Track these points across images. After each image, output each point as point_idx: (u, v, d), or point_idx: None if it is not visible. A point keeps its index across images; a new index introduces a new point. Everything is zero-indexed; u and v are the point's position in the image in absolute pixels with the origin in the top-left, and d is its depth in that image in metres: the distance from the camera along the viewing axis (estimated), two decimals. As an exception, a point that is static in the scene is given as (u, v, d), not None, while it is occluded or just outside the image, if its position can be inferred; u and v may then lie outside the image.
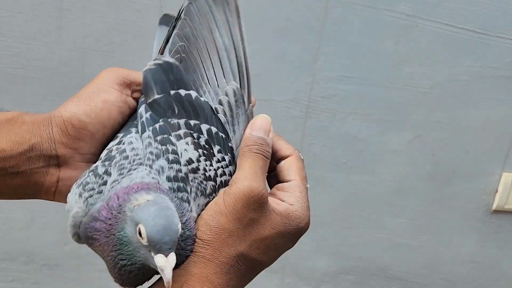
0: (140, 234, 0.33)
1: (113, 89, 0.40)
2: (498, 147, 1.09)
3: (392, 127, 1.07)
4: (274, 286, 1.20)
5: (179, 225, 0.34)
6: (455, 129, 1.08)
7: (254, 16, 0.98)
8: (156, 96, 0.39)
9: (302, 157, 0.44)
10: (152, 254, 0.33)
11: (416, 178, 1.11)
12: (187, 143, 0.37)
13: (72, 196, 0.38)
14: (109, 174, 0.37)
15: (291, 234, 0.39)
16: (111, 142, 0.40)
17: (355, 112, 1.06)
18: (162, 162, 0.36)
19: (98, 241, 0.36)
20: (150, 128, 0.38)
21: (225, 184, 0.39)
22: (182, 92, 0.39)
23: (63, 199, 0.40)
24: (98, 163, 0.39)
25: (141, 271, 0.36)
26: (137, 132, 0.39)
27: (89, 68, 1.00)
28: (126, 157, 0.37)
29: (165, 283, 0.32)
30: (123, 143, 0.39)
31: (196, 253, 0.36)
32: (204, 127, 0.38)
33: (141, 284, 0.38)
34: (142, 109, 0.39)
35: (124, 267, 0.35)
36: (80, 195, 0.37)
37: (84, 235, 0.38)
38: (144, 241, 0.33)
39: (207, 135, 0.38)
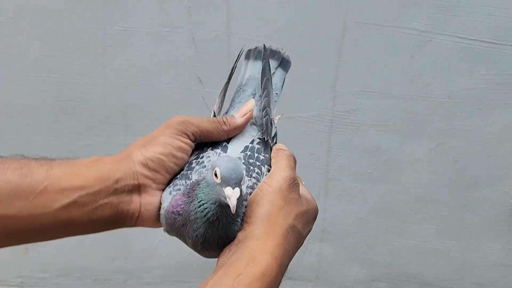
0: (215, 175, 0.44)
1: (182, 142, 0.51)
2: (520, 151, 1.12)
3: (413, 137, 1.12)
4: (309, 295, 1.25)
5: (244, 170, 0.45)
6: (475, 136, 1.12)
7: (277, 41, 1.07)
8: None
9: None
10: (223, 188, 0.44)
11: (440, 185, 1.15)
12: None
13: (165, 195, 0.49)
14: (190, 178, 0.49)
15: (313, 214, 0.51)
16: (190, 158, 0.52)
17: (376, 124, 1.12)
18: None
19: (180, 214, 0.47)
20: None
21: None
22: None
23: (144, 223, 0.49)
24: (183, 172, 0.51)
25: (216, 220, 0.45)
26: (212, 149, 0.53)
27: (130, 97, 1.11)
28: (204, 166, 0.50)
29: (231, 208, 0.42)
30: (202, 157, 0.51)
31: (257, 231, 0.45)
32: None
33: (215, 251, 0.47)
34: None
35: (202, 211, 0.45)
36: (170, 193, 0.49)
37: (168, 219, 0.48)
38: (218, 180, 0.44)
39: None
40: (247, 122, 0.55)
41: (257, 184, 0.49)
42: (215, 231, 0.46)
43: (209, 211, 0.45)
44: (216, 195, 0.44)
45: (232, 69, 0.60)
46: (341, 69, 1.09)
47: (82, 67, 1.09)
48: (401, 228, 1.19)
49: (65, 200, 0.44)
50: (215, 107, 0.58)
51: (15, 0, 1.05)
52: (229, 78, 0.59)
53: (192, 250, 0.49)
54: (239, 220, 0.46)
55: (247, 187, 0.49)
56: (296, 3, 1.05)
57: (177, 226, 0.47)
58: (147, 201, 0.48)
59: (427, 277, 1.23)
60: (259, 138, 0.55)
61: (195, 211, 0.45)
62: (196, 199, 0.46)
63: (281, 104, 0.61)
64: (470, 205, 1.17)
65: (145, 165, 0.48)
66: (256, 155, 0.52)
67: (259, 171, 0.51)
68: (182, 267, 1.21)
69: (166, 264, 1.21)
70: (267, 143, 0.54)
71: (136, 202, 0.47)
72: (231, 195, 0.43)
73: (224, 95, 0.59)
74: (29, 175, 0.44)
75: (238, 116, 0.54)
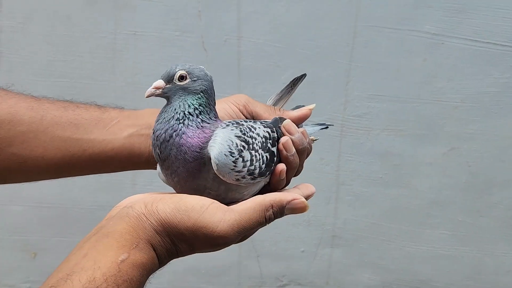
0: None
1: (235, 111, 0.56)
2: (535, 155, 1.11)
3: (426, 141, 1.11)
4: (319, 301, 1.23)
5: (179, 71, 0.48)
6: (489, 140, 1.10)
7: (287, 45, 1.06)
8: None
9: None
10: None
11: (453, 189, 1.14)
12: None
13: None
14: None
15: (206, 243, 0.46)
16: None
17: (388, 128, 1.11)
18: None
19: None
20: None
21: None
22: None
23: None
24: None
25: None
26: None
27: (141, 101, 1.10)
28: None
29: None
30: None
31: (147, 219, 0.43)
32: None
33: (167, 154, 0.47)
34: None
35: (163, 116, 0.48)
36: None
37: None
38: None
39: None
40: (302, 117, 0.56)
41: (235, 126, 0.48)
42: (162, 123, 0.47)
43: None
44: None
45: (302, 76, 0.59)
46: (352, 72, 1.08)
47: (92, 71, 1.08)
48: (414, 233, 1.17)
49: (131, 130, 0.56)
50: (269, 102, 0.58)
51: (24, 5, 1.05)
52: (295, 84, 0.58)
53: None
54: (184, 120, 0.46)
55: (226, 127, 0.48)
56: (307, 7, 1.05)
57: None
58: None
59: (440, 283, 1.21)
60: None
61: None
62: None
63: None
64: (484, 210, 1.15)
65: None
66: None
67: (243, 123, 0.49)
68: (190, 273, 1.20)
69: (173, 269, 1.20)
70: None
71: None
72: (153, 84, 0.48)
73: (281, 98, 0.58)
74: (106, 112, 0.57)
75: (296, 110, 0.57)
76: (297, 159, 0.51)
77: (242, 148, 0.47)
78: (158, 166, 0.50)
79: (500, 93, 1.07)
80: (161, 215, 0.42)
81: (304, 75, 0.59)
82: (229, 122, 0.49)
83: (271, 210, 0.45)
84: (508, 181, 1.13)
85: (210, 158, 0.46)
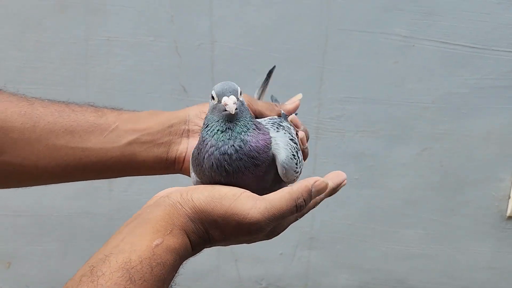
0: (212, 98, 0.46)
1: None
2: (505, 153, 1.13)
3: (399, 142, 1.13)
4: (298, 303, 1.24)
5: (237, 86, 0.46)
6: (460, 139, 1.12)
7: (260, 49, 1.07)
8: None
9: None
10: (221, 101, 0.45)
11: (427, 189, 1.16)
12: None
13: None
14: None
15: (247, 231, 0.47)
16: None
17: (362, 130, 1.12)
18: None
19: (197, 147, 0.48)
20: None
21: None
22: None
23: (188, 170, 0.52)
24: None
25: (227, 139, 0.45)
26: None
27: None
28: None
29: (228, 111, 0.44)
30: None
31: (186, 205, 0.44)
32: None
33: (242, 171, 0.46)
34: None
35: (212, 130, 0.45)
36: None
37: (191, 157, 0.50)
38: (215, 99, 0.46)
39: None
40: (296, 108, 0.59)
41: (276, 126, 0.49)
42: (227, 139, 0.45)
43: (215, 127, 0.45)
44: (217, 113, 0.45)
45: (273, 68, 0.63)
46: (325, 75, 1.09)
47: (64, 78, 1.07)
48: (389, 233, 1.19)
49: (130, 137, 0.53)
50: (256, 97, 0.61)
51: (-6, 11, 1.04)
52: (269, 76, 0.62)
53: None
54: (250, 129, 0.45)
55: (268, 122, 0.49)
56: (279, 10, 1.05)
57: (195, 158, 0.47)
58: (193, 144, 0.54)
59: (416, 282, 1.23)
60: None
61: (205, 133, 0.46)
62: (203, 126, 0.47)
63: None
64: (457, 209, 1.17)
65: (198, 116, 0.55)
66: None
67: (282, 124, 0.51)
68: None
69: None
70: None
71: (184, 144, 0.54)
72: (227, 100, 0.44)
73: (263, 91, 0.62)
74: (103, 117, 0.54)
75: (288, 103, 0.60)
76: (308, 149, 0.54)
77: (297, 149, 0.49)
78: (192, 176, 0.49)
79: (469, 93, 1.09)
80: (195, 202, 0.44)
81: (274, 67, 0.63)
82: (269, 123, 0.50)
83: (302, 198, 0.46)
84: (479, 179, 1.15)
85: (273, 161, 0.47)
